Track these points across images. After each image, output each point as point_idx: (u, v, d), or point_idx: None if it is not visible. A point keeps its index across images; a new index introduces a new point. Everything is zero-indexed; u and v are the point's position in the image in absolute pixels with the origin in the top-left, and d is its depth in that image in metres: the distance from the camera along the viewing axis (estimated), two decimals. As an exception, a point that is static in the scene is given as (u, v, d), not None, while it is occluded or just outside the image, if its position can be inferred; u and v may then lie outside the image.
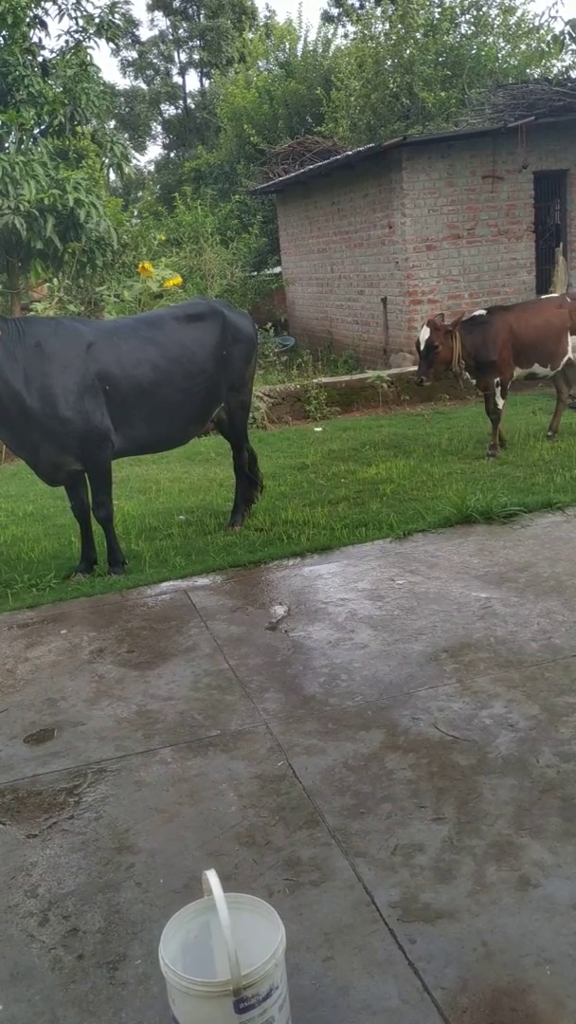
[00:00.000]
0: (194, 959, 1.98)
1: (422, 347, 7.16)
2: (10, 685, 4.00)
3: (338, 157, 13.25)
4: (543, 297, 8.54)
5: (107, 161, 10.85)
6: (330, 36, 22.37)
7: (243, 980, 1.81)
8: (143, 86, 33.78)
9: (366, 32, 18.38)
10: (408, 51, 16.84)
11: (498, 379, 7.46)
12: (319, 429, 9.69)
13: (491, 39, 17.67)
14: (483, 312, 7.50)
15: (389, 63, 17.24)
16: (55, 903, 2.56)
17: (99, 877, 2.65)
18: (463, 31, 17.82)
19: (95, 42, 10.57)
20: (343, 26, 24.80)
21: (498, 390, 7.52)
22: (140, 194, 28.09)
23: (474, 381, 7.61)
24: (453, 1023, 2.04)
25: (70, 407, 5.03)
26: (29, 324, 5.16)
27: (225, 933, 1.81)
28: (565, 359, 7.78)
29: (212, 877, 1.91)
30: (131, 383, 5.27)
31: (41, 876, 2.69)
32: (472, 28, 17.76)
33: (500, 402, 7.58)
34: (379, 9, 18.06)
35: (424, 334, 7.14)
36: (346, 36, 23.63)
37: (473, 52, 16.99)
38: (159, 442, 5.76)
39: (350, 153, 12.71)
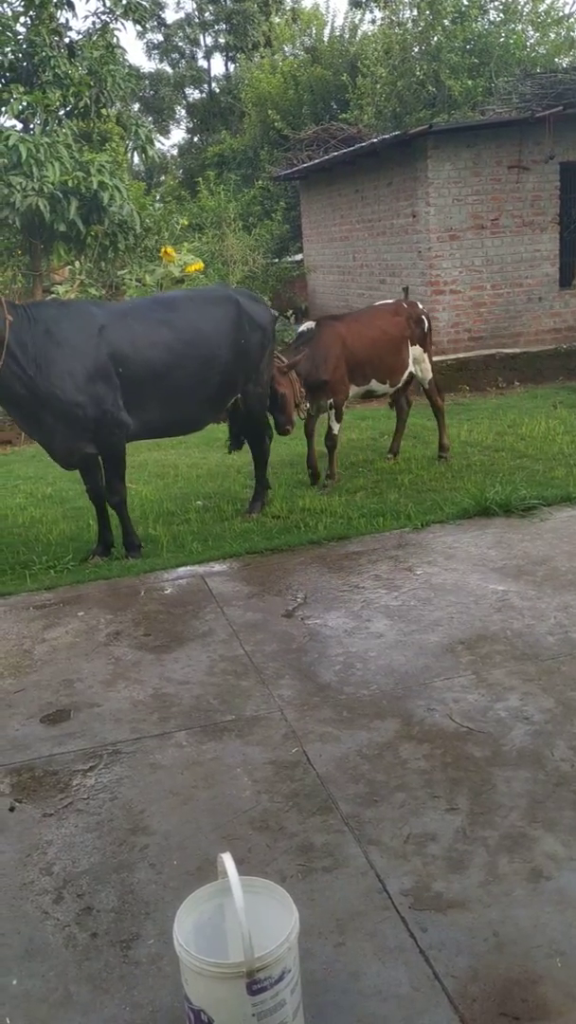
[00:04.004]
0: (207, 940, 1.99)
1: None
2: (27, 665, 4.03)
3: (363, 144, 13.16)
4: (377, 304, 7.50)
5: (131, 144, 10.83)
6: (357, 22, 22.23)
7: (256, 963, 1.82)
8: (168, 69, 33.61)
9: (393, 18, 18.24)
10: (435, 38, 16.69)
11: (331, 401, 6.59)
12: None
13: (520, 27, 17.48)
14: (311, 325, 6.66)
15: (416, 50, 17.09)
16: (70, 881, 2.59)
17: (113, 857, 2.68)
18: (491, 18, 17.64)
19: (122, 24, 10.56)
20: (370, 11, 24.59)
21: (332, 413, 6.65)
22: (163, 178, 28.02)
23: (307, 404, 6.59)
24: (463, 1011, 2.06)
25: (82, 391, 5.02)
26: (39, 309, 5.14)
27: (239, 916, 1.82)
28: (406, 374, 6.99)
29: (227, 860, 1.93)
30: (145, 365, 5.23)
31: (56, 855, 2.71)
32: (501, 16, 17.57)
33: (336, 427, 6.70)
34: (407, -5, 17.91)
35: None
36: (373, 22, 23.45)
37: (501, 40, 16.81)
38: (172, 426, 5.74)
39: (375, 140, 12.63)
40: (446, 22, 16.70)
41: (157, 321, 5.37)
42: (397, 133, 11.97)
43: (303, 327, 6.76)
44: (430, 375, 7.26)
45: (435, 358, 10.92)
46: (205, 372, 5.51)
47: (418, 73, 16.56)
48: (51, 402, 5.00)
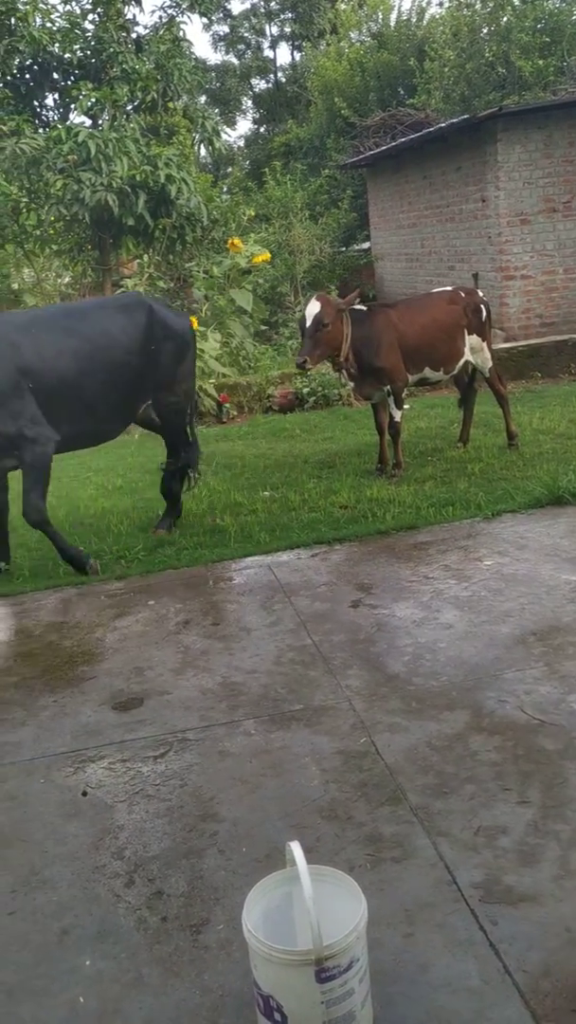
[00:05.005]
0: (275, 927, 2.00)
1: (308, 323, 6.04)
2: (99, 653, 4.10)
3: (431, 129, 12.98)
4: (433, 291, 7.42)
5: (198, 137, 10.92)
6: (424, 5, 21.91)
7: (325, 951, 1.82)
8: (234, 60, 33.63)
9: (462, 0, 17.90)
10: (505, 18, 16.34)
11: (389, 388, 6.53)
12: (407, 407, 9.56)
13: (593, 3, 17.01)
14: (362, 308, 6.47)
15: (485, 31, 16.76)
16: (141, 866, 2.63)
17: (183, 843, 2.71)
18: (564, -5, 17.20)
19: (188, 17, 10.62)
20: (439, -6, 24.20)
21: (391, 400, 6.58)
22: (230, 169, 28.09)
23: (351, 383, 6.55)
24: (535, 1006, 2.02)
25: None
26: None
27: (308, 904, 1.82)
28: (462, 362, 6.87)
29: (296, 848, 1.93)
30: (55, 375, 5.02)
31: (127, 839, 2.76)
32: (574, -8, 17.13)
33: (397, 415, 6.63)
34: (476, -25, 17.56)
35: (313, 308, 6.05)
36: (441, 4, 23.17)
37: (574, 18, 16.38)
38: (84, 436, 5.47)
39: (443, 125, 12.44)
40: (516, 1, 16.35)
41: (63, 330, 5.18)
42: (466, 117, 11.77)
43: (356, 307, 6.53)
44: (490, 363, 7.10)
45: (506, 344, 10.79)
46: (113, 379, 5.28)
47: (487, 55, 16.24)
48: None
